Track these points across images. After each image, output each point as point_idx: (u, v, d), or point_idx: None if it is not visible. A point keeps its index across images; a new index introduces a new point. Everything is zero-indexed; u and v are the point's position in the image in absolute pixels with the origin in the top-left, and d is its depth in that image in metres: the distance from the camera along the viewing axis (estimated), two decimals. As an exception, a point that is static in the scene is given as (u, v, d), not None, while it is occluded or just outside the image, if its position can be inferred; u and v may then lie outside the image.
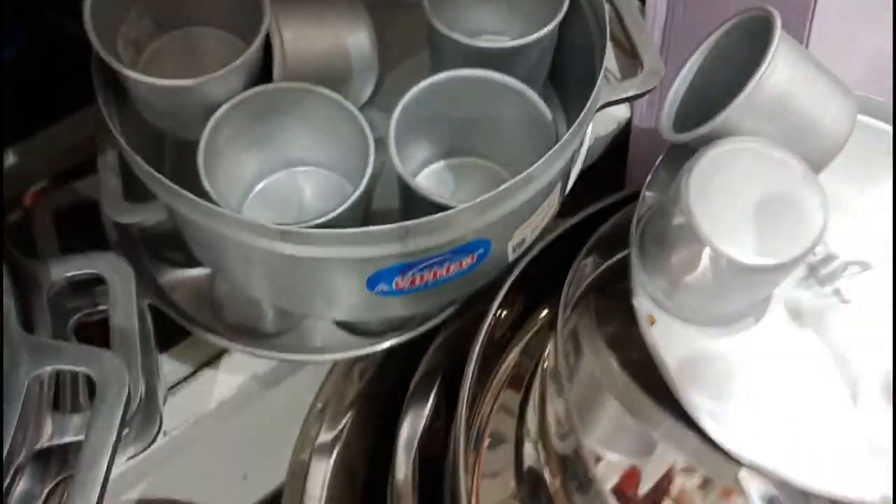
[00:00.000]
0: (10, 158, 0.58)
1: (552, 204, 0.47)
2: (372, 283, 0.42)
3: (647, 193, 0.45)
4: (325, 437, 0.56)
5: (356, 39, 0.47)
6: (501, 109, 0.46)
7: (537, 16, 0.48)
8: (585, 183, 0.57)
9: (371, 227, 0.37)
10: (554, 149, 0.41)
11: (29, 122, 0.62)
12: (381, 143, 0.43)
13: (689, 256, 0.40)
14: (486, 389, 0.50)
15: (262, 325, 0.54)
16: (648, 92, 0.53)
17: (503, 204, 0.40)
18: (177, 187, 0.39)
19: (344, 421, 0.57)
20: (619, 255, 0.50)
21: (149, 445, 0.43)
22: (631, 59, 0.54)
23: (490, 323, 0.45)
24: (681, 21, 0.62)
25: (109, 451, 0.35)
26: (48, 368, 0.36)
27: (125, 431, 0.40)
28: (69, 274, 0.42)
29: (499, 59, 0.46)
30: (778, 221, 0.39)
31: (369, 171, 0.42)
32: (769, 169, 0.40)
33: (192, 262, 0.53)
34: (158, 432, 0.43)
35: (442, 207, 0.39)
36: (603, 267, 0.50)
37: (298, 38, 0.45)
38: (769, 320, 0.43)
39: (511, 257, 0.47)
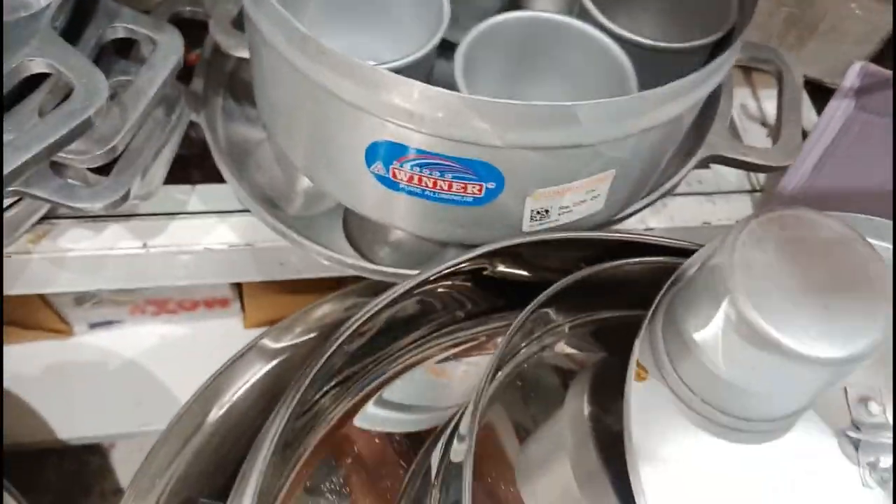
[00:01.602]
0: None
1: (598, 189, 0.41)
2: (370, 156, 0.39)
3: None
4: (273, 344, 0.52)
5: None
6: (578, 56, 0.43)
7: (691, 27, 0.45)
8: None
9: (381, 69, 0.35)
10: (629, 97, 0.37)
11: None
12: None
13: (719, 330, 0.34)
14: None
15: (285, 202, 0.52)
16: (769, 169, 0.47)
17: (529, 128, 0.36)
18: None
19: (302, 340, 0.53)
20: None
21: (119, 201, 0.42)
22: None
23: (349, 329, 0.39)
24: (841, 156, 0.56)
25: (154, 90, 0.41)
26: (120, 26, 0.42)
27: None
28: (130, 25, 0.43)
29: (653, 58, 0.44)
30: (838, 306, 0.32)
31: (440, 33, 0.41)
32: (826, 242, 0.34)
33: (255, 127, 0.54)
34: (127, 195, 0.43)
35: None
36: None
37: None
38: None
39: (526, 225, 0.42)
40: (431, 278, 0.40)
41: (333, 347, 0.38)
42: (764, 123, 0.63)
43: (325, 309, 0.56)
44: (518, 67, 0.45)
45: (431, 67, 0.44)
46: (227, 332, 0.82)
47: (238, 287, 0.78)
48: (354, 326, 0.38)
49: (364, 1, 0.47)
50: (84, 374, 0.80)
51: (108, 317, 0.80)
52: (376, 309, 0.38)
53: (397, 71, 0.39)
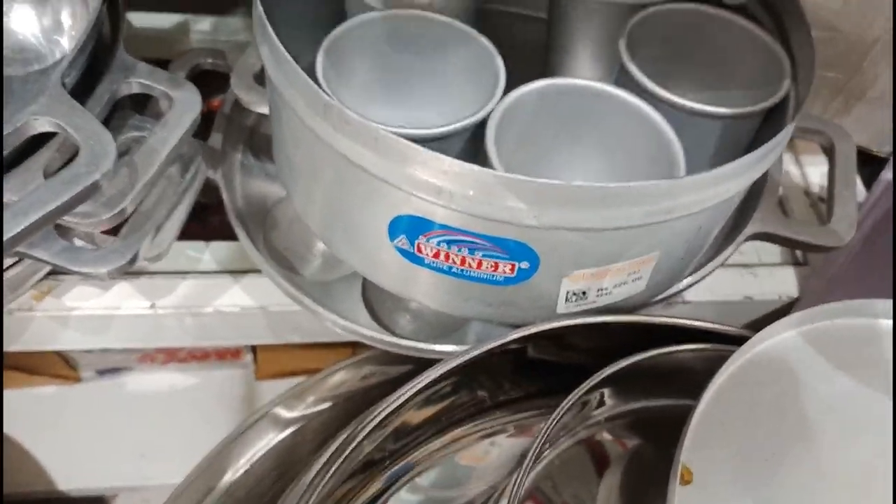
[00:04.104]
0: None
1: (641, 272, 0.38)
2: (393, 229, 0.36)
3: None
4: (286, 413, 0.49)
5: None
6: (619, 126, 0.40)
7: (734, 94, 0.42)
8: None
9: (410, 143, 0.32)
10: (679, 180, 0.35)
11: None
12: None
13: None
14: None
15: (302, 264, 0.50)
16: (821, 249, 0.44)
17: (568, 209, 0.33)
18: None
19: (316, 410, 0.50)
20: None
21: (125, 266, 0.40)
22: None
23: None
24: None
25: (167, 150, 0.39)
26: (135, 81, 0.40)
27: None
28: (145, 81, 0.41)
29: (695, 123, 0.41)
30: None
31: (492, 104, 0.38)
32: None
33: (274, 184, 0.51)
34: (135, 259, 0.40)
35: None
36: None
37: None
38: None
39: (561, 307, 0.39)
40: (466, 362, 0.37)
41: (360, 437, 0.35)
42: (807, 192, 0.60)
43: (340, 377, 0.53)
44: (556, 136, 0.42)
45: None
46: (238, 383, 0.79)
47: (251, 339, 0.75)
48: (385, 413, 0.35)
49: (417, 66, 0.45)
50: (89, 423, 0.77)
51: (116, 364, 0.78)
52: (406, 397, 0.35)
53: (436, 138, 0.37)
